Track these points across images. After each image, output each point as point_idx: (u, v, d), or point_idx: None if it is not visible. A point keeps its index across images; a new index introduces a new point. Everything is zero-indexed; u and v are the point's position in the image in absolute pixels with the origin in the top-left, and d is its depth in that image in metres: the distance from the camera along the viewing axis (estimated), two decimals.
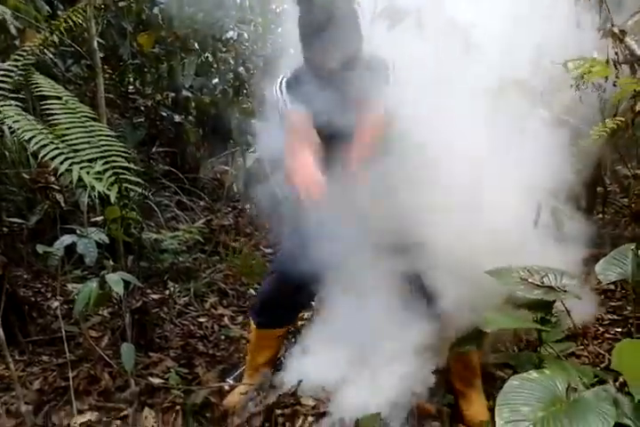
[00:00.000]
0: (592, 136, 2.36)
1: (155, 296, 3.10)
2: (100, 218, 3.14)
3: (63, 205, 3.37)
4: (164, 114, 4.34)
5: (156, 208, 3.53)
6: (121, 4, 3.72)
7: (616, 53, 1.58)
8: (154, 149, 4.85)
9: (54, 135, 2.29)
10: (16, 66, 2.43)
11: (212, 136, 4.76)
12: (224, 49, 4.45)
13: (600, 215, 3.71)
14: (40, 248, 2.30)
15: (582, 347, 2.31)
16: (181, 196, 4.30)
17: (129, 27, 4.30)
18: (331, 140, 2.00)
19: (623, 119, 2.28)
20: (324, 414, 1.75)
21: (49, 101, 2.37)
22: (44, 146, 2.20)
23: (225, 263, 3.65)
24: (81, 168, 2.27)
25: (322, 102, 1.92)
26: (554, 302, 1.61)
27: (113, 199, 2.31)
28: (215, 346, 2.76)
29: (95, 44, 2.53)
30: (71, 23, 2.57)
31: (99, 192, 2.84)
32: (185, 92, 4.51)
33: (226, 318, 3.04)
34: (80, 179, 2.22)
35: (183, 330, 2.86)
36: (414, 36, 1.90)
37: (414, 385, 1.96)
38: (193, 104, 4.54)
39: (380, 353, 1.98)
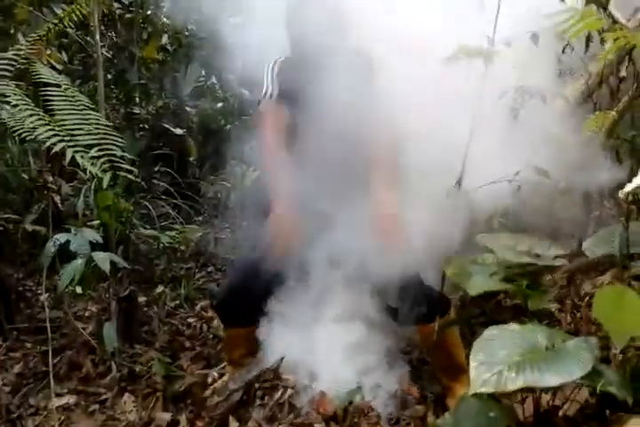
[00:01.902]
0: (587, 128, 2.38)
1: (145, 298, 3.08)
2: (95, 222, 3.15)
3: (60, 205, 3.38)
4: (166, 126, 4.40)
5: (153, 213, 3.53)
6: (127, 16, 3.82)
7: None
8: (156, 169, 4.92)
9: (51, 119, 2.33)
10: (18, 55, 2.49)
11: (214, 152, 4.81)
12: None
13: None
14: (30, 227, 2.30)
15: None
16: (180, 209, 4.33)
17: (137, 52, 4.45)
18: (315, 135, 1.97)
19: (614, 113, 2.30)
20: (304, 388, 1.71)
21: (48, 88, 2.42)
22: (39, 126, 2.23)
23: (220, 273, 3.64)
24: (75, 152, 2.30)
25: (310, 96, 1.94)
26: (541, 269, 1.59)
27: (105, 184, 2.32)
28: (203, 344, 2.71)
29: (98, 38, 2.58)
30: (75, 18, 2.64)
31: (95, 193, 2.87)
32: (188, 109, 4.61)
33: (215, 321, 2.99)
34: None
35: (171, 328, 2.82)
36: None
37: (401, 370, 1.92)
38: (195, 119, 4.60)
39: (369, 336, 1.94)
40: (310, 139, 1.98)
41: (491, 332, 1.27)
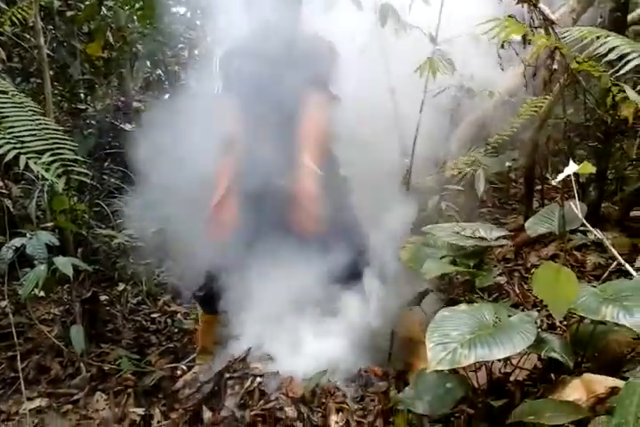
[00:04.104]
0: (522, 116, 2.51)
1: (107, 297, 3.10)
2: (49, 224, 3.14)
3: (12, 210, 3.35)
4: (115, 122, 4.37)
5: (108, 211, 3.53)
6: (69, 13, 3.77)
7: (531, 18, 1.71)
8: (106, 165, 4.88)
9: (0, 127, 2.32)
10: None
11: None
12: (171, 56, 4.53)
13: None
14: None
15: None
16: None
17: (79, 45, 4.38)
18: (266, 123, 2.04)
19: (550, 97, 2.44)
20: (272, 374, 1.79)
21: None
22: None
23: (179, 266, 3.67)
24: (28, 158, 2.30)
25: (257, 83, 2.01)
26: (485, 249, 1.70)
27: (60, 188, 2.33)
28: (168, 338, 2.78)
29: (42, 40, 2.57)
30: (16, 21, 2.63)
31: (48, 196, 2.86)
32: (135, 104, 4.58)
33: (179, 315, 3.05)
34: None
35: (135, 325, 2.87)
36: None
37: (364, 350, 2.02)
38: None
39: (332, 320, 2.04)
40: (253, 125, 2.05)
41: (443, 313, 1.37)
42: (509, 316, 1.43)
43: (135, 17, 3.97)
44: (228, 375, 1.81)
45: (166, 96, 5.53)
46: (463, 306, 1.41)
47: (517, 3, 1.70)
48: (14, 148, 2.26)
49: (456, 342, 1.27)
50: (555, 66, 1.77)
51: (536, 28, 1.70)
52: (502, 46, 1.93)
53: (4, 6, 3.46)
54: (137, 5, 4.40)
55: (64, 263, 2.13)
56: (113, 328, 2.74)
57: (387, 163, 2.13)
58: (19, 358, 2.25)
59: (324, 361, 1.89)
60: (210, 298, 2.24)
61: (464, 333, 1.30)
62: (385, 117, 2.21)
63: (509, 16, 1.65)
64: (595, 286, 1.46)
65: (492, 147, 2.61)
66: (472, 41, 1.90)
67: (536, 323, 1.41)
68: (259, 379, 1.77)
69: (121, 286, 3.17)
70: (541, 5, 1.71)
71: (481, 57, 2.12)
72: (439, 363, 1.22)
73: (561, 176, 1.35)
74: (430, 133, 2.22)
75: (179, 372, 2.32)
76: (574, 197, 1.64)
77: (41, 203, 3.40)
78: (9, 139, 2.29)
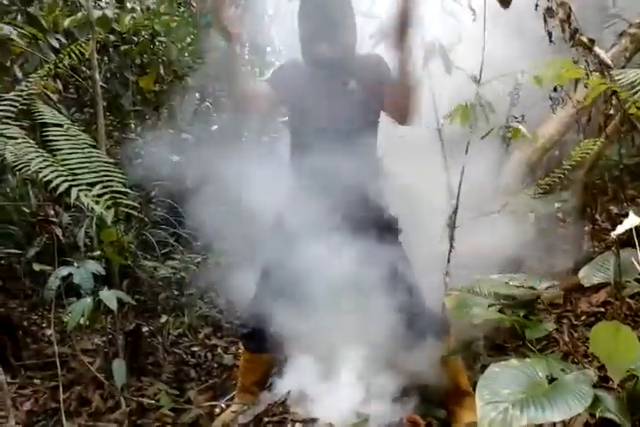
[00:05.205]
0: (574, 158, 2.46)
1: (149, 328, 3.10)
2: (97, 253, 3.18)
3: (62, 238, 3.41)
4: (163, 153, 4.44)
5: (153, 241, 3.57)
6: (123, 47, 3.88)
7: (586, 61, 1.68)
8: (153, 194, 4.95)
9: (54, 159, 2.37)
10: (20, 95, 2.54)
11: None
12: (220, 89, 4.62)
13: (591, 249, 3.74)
14: (37, 266, 2.34)
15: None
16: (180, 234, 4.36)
17: (131, 77, 4.51)
18: (318, 135, 2.07)
19: (603, 140, 2.38)
20: (312, 421, 1.75)
21: (50, 128, 2.47)
22: (44, 168, 2.28)
23: (221, 298, 3.67)
24: (79, 191, 2.34)
25: (314, 95, 2.06)
26: (535, 300, 1.65)
27: (109, 221, 2.36)
28: (208, 373, 2.76)
29: (97, 74, 2.65)
30: (74, 57, 2.71)
31: (96, 225, 2.91)
32: (183, 135, 4.66)
33: (219, 349, 3.04)
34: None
35: (176, 358, 2.85)
36: None
37: (406, 398, 1.97)
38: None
39: (373, 366, 1.99)
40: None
41: (492, 369, 1.32)
42: (562, 370, 1.38)
43: (186, 52, 4.06)
44: (267, 419, 1.78)
45: (214, 127, 5.65)
46: (514, 361, 1.35)
47: (572, 46, 1.67)
48: (66, 180, 2.32)
49: (507, 401, 1.22)
50: (611, 110, 1.72)
51: (592, 71, 1.66)
52: (555, 89, 1.90)
53: (64, 41, 3.60)
54: (188, 40, 4.57)
55: (109, 297, 2.15)
56: (154, 361, 2.74)
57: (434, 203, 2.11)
58: (61, 388, 2.26)
59: (365, 408, 1.85)
60: (256, 336, 2.19)
61: (515, 391, 1.25)
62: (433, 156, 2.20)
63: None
64: None
65: (543, 188, 2.57)
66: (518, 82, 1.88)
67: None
68: (298, 425, 1.73)
69: (163, 318, 3.17)
70: (597, 49, 1.67)
71: (528, 98, 2.09)
72: (490, 424, 1.17)
73: (621, 229, 1.30)
74: (477, 173, 2.20)
75: (217, 410, 2.29)
76: (628, 243, 1.58)
77: (89, 231, 3.46)
78: (62, 171, 2.34)
